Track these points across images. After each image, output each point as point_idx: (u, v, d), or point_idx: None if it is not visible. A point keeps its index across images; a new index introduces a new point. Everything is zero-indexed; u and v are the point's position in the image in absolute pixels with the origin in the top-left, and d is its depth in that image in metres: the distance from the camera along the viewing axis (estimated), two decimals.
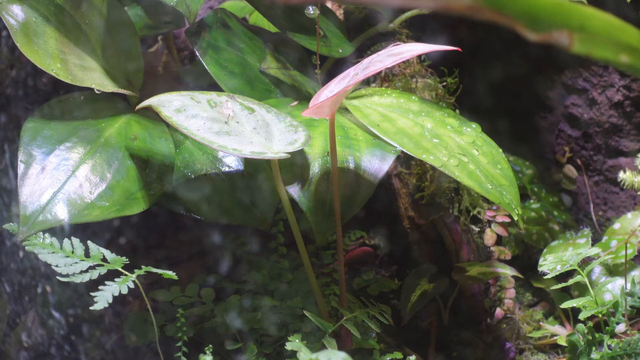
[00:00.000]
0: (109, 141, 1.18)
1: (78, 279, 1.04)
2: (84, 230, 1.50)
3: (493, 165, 1.17)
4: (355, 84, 1.04)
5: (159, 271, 1.08)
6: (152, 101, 1.07)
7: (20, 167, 1.10)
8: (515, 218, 1.15)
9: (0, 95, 1.41)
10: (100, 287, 1.02)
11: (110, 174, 1.14)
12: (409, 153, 1.12)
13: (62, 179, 1.11)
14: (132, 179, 1.15)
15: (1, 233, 1.33)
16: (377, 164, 1.21)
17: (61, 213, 1.08)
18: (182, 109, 1.06)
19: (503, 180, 1.16)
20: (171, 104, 1.07)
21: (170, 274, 1.09)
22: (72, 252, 1.07)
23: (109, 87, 1.20)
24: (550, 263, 1.25)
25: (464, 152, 1.16)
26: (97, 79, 1.20)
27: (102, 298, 1.01)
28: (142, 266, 1.08)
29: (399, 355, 1.21)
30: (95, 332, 1.39)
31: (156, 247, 1.57)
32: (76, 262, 1.05)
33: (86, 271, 1.05)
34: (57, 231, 1.39)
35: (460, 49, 1.07)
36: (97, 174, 1.13)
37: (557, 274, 1.23)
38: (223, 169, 1.24)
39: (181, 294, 1.33)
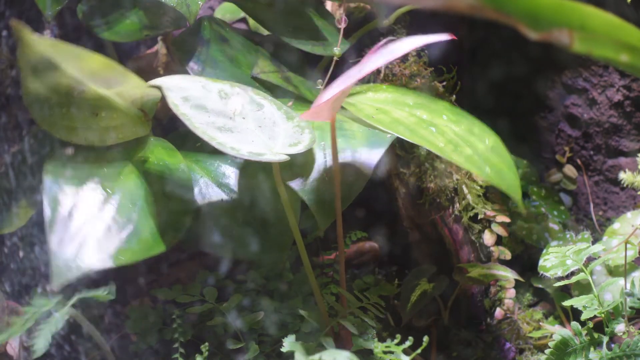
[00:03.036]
0: (128, 180, 1.14)
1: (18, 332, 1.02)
2: None
3: (491, 151, 1.17)
4: (354, 84, 1.04)
5: (92, 294, 1.07)
6: (163, 81, 1.04)
7: (47, 212, 1.05)
8: (517, 201, 1.15)
9: (0, 95, 1.41)
10: (36, 333, 1.00)
11: (136, 214, 1.10)
12: (404, 139, 1.12)
13: (89, 222, 1.07)
14: (155, 218, 1.11)
15: (1, 234, 1.33)
16: (373, 151, 1.21)
17: (93, 259, 1.04)
18: (190, 97, 1.04)
19: (502, 165, 1.16)
20: (181, 90, 1.04)
21: (102, 294, 1.07)
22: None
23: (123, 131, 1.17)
24: (552, 257, 1.25)
25: (462, 139, 1.16)
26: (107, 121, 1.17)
27: (42, 340, 0.98)
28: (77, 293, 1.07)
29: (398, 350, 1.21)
30: (95, 332, 1.39)
31: None
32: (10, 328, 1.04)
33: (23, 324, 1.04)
34: None
35: (455, 37, 1.06)
36: (123, 215, 1.09)
37: (558, 274, 1.22)
38: (237, 199, 1.22)
39: (183, 292, 1.33)
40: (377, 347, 0.98)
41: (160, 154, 1.21)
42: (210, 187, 1.22)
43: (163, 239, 1.10)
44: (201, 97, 1.05)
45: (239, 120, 1.06)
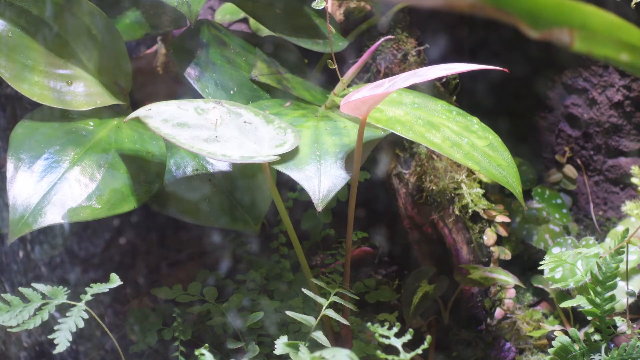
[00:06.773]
0: (99, 143, 1.18)
1: (31, 325, 1.02)
2: (83, 229, 1.50)
3: (490, 148, 1.18)
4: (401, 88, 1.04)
5: (105, 286, 1.07)
6: (140, 113, 1.07)
7: (9, 171, 1.10)
8: (517, 196, 1.15)
9: (0, 95, 1.41)
10: (55, 328, 1.00)
11: (100, 175, 1.14)
12: (400, 135, 1.12)
13: (51, 180, 1.11)
14: (123, 179, 1.15)
15: (1, 233, 1.33)
16: (365, 147, 1.21)
17: (51, 214, 1.08)
18: (170, 118, 1.07)
19: (501, 161, 1.16)
20: (158, 115, 1.07)
21: (114, 277, 1.09)
22: (9, 304, 1.05)
23: (96, 99, 1.21)
24: (560, 267, 1.26)
25: (460, 136, 1.16)
26: (82, 89, 1.21)
27: (62, 339, 0.98)
28: (91, 285, 1.09)
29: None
30: (95, 332, 1.39)
31: (156, 247, 1.57)
32: (20, 311, 1.03)
33: (34, 315, 1.03)
34: (58, 233, 1.39)
35: (507, 70, 1.08)
36: (86, 175, 1.13)
37: (570, 285, 1.22)
38: (214, 172, 1.24)
39: (183, 292, 1.33)
40: (373, 328, 0.97)
41: (135, 126, 1.24)
42: (187, 158, 1.24)
43: (128, 199, 1.14)
44: (180, 116, 1.08)
45: (222, 130, 1.08)
